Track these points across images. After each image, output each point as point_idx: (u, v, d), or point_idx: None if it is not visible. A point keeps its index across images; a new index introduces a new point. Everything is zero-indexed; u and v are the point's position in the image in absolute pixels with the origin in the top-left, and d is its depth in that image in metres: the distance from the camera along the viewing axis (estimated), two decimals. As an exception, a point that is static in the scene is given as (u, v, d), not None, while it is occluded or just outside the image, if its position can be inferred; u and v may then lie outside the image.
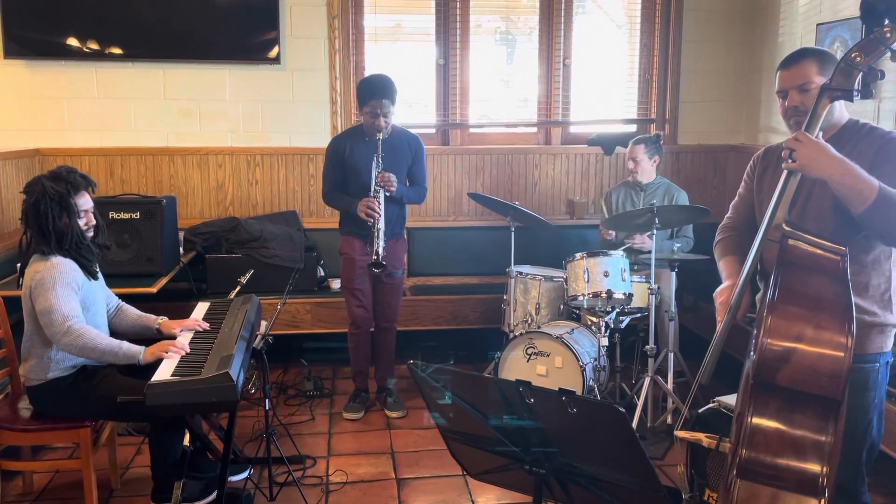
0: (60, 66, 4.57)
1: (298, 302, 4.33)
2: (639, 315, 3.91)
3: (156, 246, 3.84)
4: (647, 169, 4.19)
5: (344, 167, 3.79)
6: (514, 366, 3.75)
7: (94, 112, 4.64)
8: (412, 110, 5.12)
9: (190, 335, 2.91)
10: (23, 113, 4.58)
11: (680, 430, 2.34)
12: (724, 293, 2.13)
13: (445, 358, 4.67)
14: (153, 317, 3.04)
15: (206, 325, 3.00)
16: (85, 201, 2.79)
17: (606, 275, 3.73)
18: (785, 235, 1.85)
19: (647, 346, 3.71)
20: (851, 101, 1.92)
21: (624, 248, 3.96)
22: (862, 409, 2.05)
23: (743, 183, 2.38)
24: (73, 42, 4.51)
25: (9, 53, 4.46)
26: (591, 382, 3.61)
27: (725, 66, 5.06)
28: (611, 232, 4.20)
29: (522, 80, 5.17)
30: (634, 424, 3.54)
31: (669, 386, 3.74)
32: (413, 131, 3.93)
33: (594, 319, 3.85)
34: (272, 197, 4.85)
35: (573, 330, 3.77)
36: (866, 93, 1.94)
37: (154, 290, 3.64)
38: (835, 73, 1.90)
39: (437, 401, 1.88)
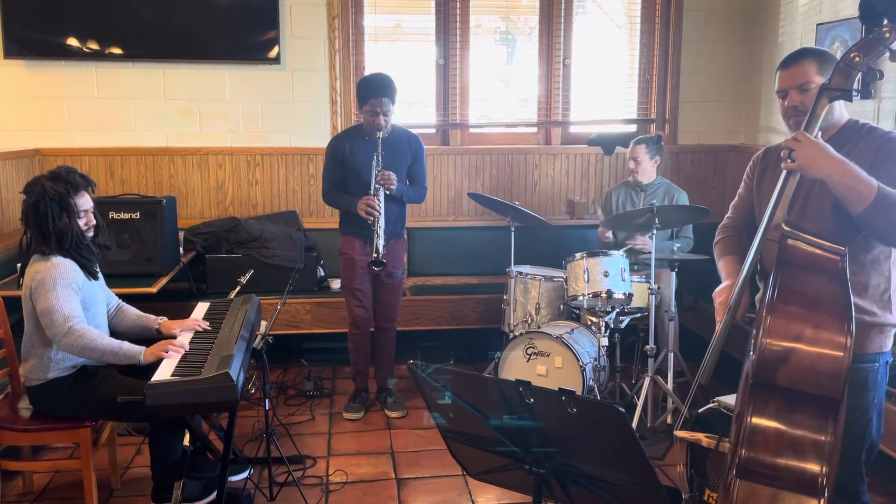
0: (60, 66, 4.57)
1: (298, 302, 4.33)
2: (639, 315, 3.91)
3: (156, 246, 3.84)
4: (648, 169, 4.20)
5: (344, 166, 3.79)
6: (514, 366, 3.75)
7: (94, 112, 4.64)
8: (412, 110, 5.12)
9: (190, 335, 2.91)
10: (23, 113, 4.58)
11: (679, 429, 2.34)
12: (724, 293, 2.13)
13: (445, 358, 4.67)
14: (153, 317, 3.04)
15: (207, 325, 3.00)
16: (85, 201, 2.79)
17: (606, 275, 3.73)
18: (784, 235, 1.85)
19: (647, 346, 3.71)
20: (850, 100, 1.92)
21: (625, 248, 3.97)
22: (861, 408, 2.05)
23: (742, 183, 2.39)
24: (73, 42, 4.51)
25: (9, 53, 4.46)
26: (590, 382, 3.61)
27: (725, 66, 5.07)
28: (608, 235, 4.21)
29: (522, 80, 5.17)
30: (634, 424, 3.54)
31: (669, 386, 3.74)
32: (413, 131, 3.93)
33: (594, 319, 3.85)
34: (272, 197, 4.85)
35: (573, 330, 3.77)
36: (866, 93, 1.95)
37: (154, 290, 3.64)
38: (834, 73, 1.90)
39: (437, 401, 1.88)
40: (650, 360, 3.70)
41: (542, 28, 5.03)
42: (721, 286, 2.18)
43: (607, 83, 5.21)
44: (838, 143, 2.00)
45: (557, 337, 3.61)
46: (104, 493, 3.09)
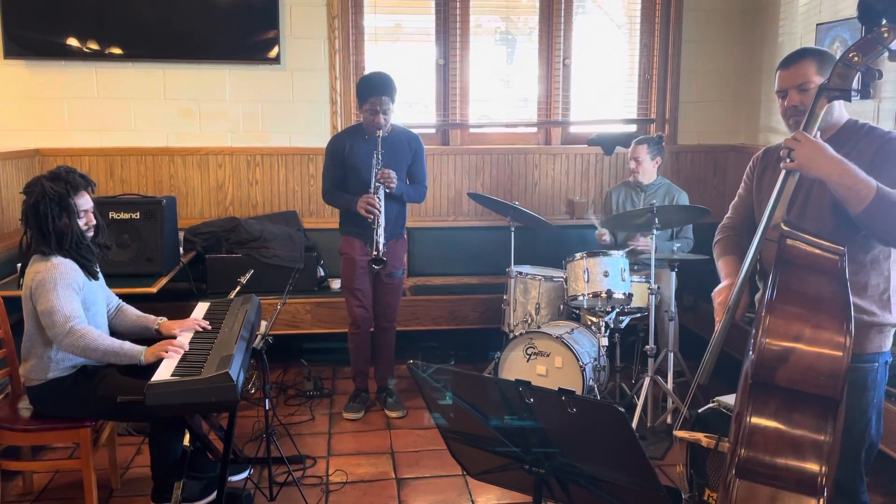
0: (60, 66, 4.57)
1: (298, 302, 4.33)
2: (639, 315, 3.91)
3: (156, 246, 3.84)
4: (649, 169, 4.20)
5: (344, 165, 3.79)
6: (514, 366, 3.76)
7: (94, 112, 4.64)
8: (412, 110, 5.12)
9: (190, 335, 2.91)
10: (23, 113, 4.58)
11: (679, 429, 2.35)
12: (723, 293, 2.13)
13: (446, 358, 4.67)
14: (153, 317, 3.04)
15: (207, 324, 3.00)
16: (84, 201, 2.79)
17: (606, 275, 3.73)
18: (783, 235, 1.85)
19: (647, 346, 3.71)
20: (849, 100, 1.93)
21: (627, 250, 3.97)
22: (861, 408, 2.06)
23: (742, 183, 2.39)
24: (73, 42, 4.51)
25: (9, 53, 4.46)
26: (590, 382, 3.61)
27: (725, 66, 5.07)
28: (605, 238, 4.21)
29: (522, 80, 5.17)
30: (634, 424, 3.54)
31: (669, 386, 3.74)
32: (413, 131, 3.94)
33: (594, 319, 3.85)
34: (272, 197, 4.85)
35: (573, 330, 3.78)
36: (865, 93, 1.95)
37: (154, 290, 3.64)
38: (832, 73, 1.90)
39: (437, 401, 1.88)
40: (650, 360, 3.70)
41: (542, 28, 5.04)
42: (720, 286, 2.18)
43: (607, 83, 5.21)
44: (838, 144, 2.00)
45: (557, 337, 3.61)
46: (104, 493, 3.09)
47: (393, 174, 3.65)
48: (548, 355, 3.67)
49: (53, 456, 3.44)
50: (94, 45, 4.53)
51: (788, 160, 1.91)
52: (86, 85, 4.60)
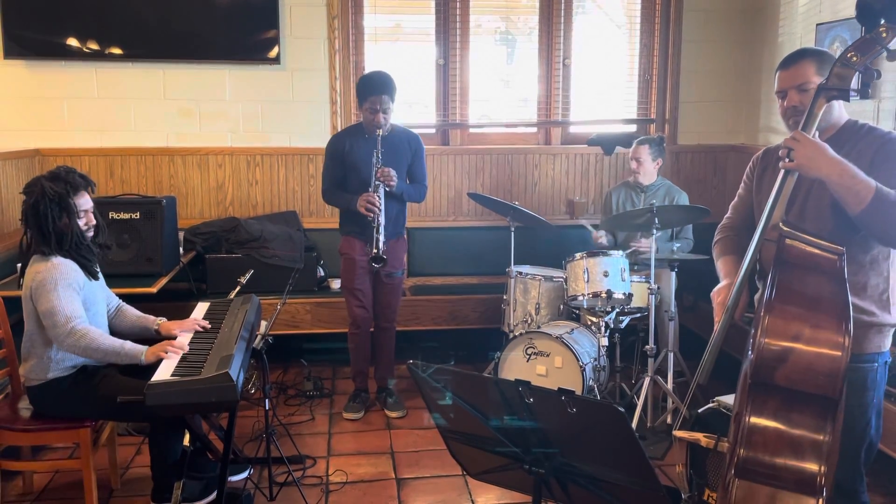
0: (60, 66, 4.57)
1: (298, 302, 4.33)
2: (638, 315, 3.91)
3: (156, 246, 3.84)
4: (650, 170, 4.20)
5: (344, 164, 3.79)
6: (514, 366, 3.76)
7: (94, 112, 4.64)
8: (412, 110, 5.12)
9: (190, 335, 2.91)
10: (23, 113, 4.58)
11: (678, 429, 2.35)
12: (722, 293, 2.13)
13: (445, 358, 4.67)
14: (152, 318, 3.04)
15: (207, 324, 3.00)
16: (84, 201, 2.79)
17: (606, 275, 3.74)
18: (782, 235, 1.85)
19: (647, 346, 3.71)
20: (848, 100, 1.93)
21: (629, 251, 3.97)
22: (860, 408, 2.06)
23: (742, 184, 2.39)
24: (73, 42, 4.51)
25: (9, 53, 4.46)
26: (590, 382, 3.61)
27: (725, 66, 5.07)
28: (602, 241, 4.20)
29: (522, 80, 5.18)
30: (634, 424, 3.55)
31: (669, 386, 3.74)
32: (413, 131, 3.94)
33: (594, 319, 3.85)
34: (272, 197, 4.85)
35: (573, 330, 3.78)
36: (865, 93, 1.95)
37: (154, 290, 3.64)
38: (831, 73, 1.90)
39: (437, 401, 1.89)
40: (650, 360, 3.70)
41: (542, 28, 5.04)
42: (719, 286, 2.18)
43: (607, 83, 5.21)
44: (838, 144, 2.00)
45: (557, 337, 3.62)
46: (104, 493, 3.09)
47: (393, 172, 3.65)
48: (548, 355, 3.67)
49: (53, 456, 3.44)
50: (94, 45, 4.53)
51: (788, 160, 1.91)
52: (86, 85, 4.61)
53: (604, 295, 3.72)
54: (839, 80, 1.88)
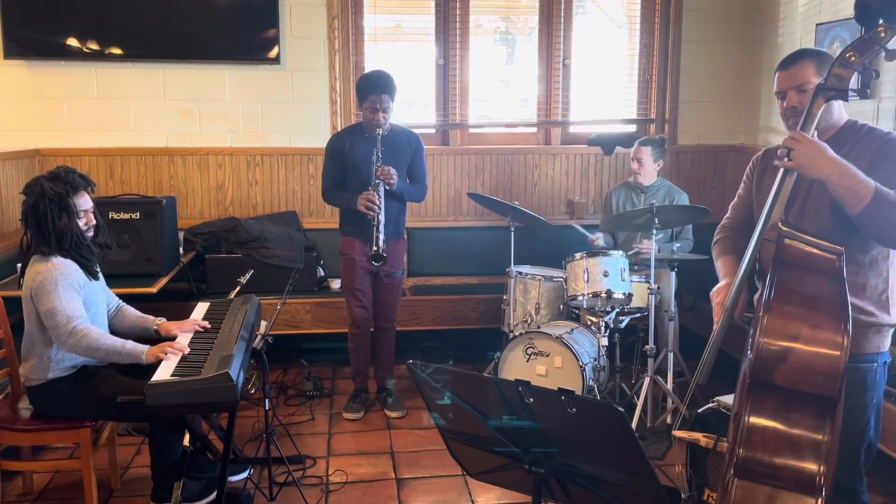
0: (60, 66, 4.58)
1: (298, 302, 4.34)
2: (638, 315, 3.91)
3: (156, 246, 3.84)
4: (651, 171, 4.20)
5: (344, 164, 3.79)
6: (514, 366, 3.76)
7: (94, 112, 4.64)
8: (412, 110, 5.12)
9: (189, 335, 2.91)
10: (23, 113, 4.58)
11: (678, 429, 2.35)
12: (721, 293, 2.13)
13: (445, 358, 4.67)
14: (152, 318, 3.05)
15: (207, 324, 3.00)
16: (84, 201, 2.79)
17: (606, 275, 3.74)
18: (781, 235, 1.85)
19: (647, 346, 3.71)
20: (846, 100, 1.93)
21: (631, 252, 3.97)
22: (860, 408, 2.06)
23: (742, 184, 2.39)
24: (73, 42, 4.52)
25: (9, 53, 4.47)
26: (590, 382, 3.61)
27: (725, 66, 5.07)
28: (599, 243, 4.20)
29: (522, 80, 5.18)
30: (634, 424, 3.55)
31: (669, 386, 3.74)
32: (413, 131, 3.94)
33: (594, 319, 3.85)
34: (272, 197, 4.85)
35: (573, 330, 3.78)
36: (864, 93, 1.95)
37: (154, 290, 3.65)
38: (829, 73, 1.90)
39: (436, 401, 1.89)
40: (650, 360, 3.70)
41: (542, 28, 5.04)
42: (718, 285, 2.18)
43: (607, 83, 5.21)
44: (837, 144, 2.00)
45: (557, 337, 3.62)
46: (104, 493, 3.09)
47: (393, 171, 3.65)
48: (547, 355, 3.67)
49: (53, 456, 3.44)
50: (94, 46, 4.54)
51: (787, 159, 1.91)
52: (86, 85, 4.61)
53: (604, 295, 3.72)
54: (837, 80, 1.88)
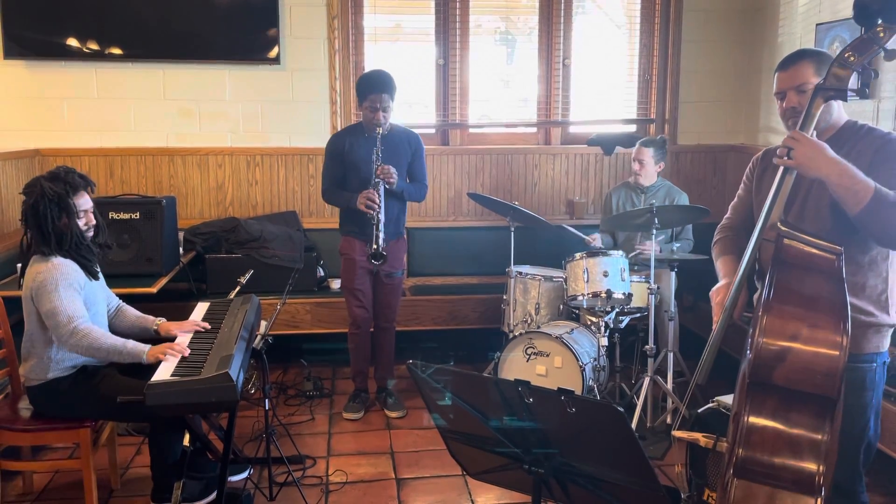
0: (60, 66, 4.58)
1: (298, 302, 4.34)
2: (638, 315, 3.91)
3: (156, 246, 3.84)
4: (651, 172, 4.21)
5: (344, 163, 3.79)
6: (514, 366, 3.76)
7: (94, 112, 4.64)
8: (412, 110, 5.12)
9: (189, 336, 2.91)
10: (23, 113, 4.58)
11: (678, 429, 2.35)
12: (721, 292, 2.13)
13: (445, 358, 4.68)
14: (151, 318, 3.05)
15: (207, 325, 3.00)
16: (84, 201, 2.79)
17: (606, 275, 3.74)
18: (781, 235, 1.85)
19: (647, 346, 3.72)
20: (845, 100, 1.93)
21: (634, 254, 3.97)
22: (859, 408, 2.06)
23: (742, 184, 2.39)
24: (73, 42, 4.52)
25: (9, 53, 4.47)
26: (590, 382, 3.61)
27: (725, 67, 5.07)
28: (597, 243, 4.20)
29: (522, 80, 5.18)
30: (634, 424, 3.55)
31: (669, 386, 3.75)
32: (413, 130, 3.94)
33: (594, 319, 3.85)
34: (272, 197, 4.85)
35: (573, 330, 3.78)
36: (863, 93, 1.95)
37: (154, 290, 3.65)
38: (828, 73, 1.90)
39: (436, 401, 1.89)
40: (650, 360, 3.70)
41: (542, 28, 5.04)
42: (718, 285, 2.19)
43: (607, 83, 5.21)
44: (837, 144, 2.00)
45: (557, 337, 3.62)
46: (104, 493, 3.10)
47: (393, 170, 3.66)
48: (547, 355, 3.67)
49: (53, 456, 3.44)
50: (94, 46, 4.54)
51: (787, 158, 1.91)
52: (86, 85, 4.61)
53: (603, 295, 3.73)
54: (836, 80, 1.88)
